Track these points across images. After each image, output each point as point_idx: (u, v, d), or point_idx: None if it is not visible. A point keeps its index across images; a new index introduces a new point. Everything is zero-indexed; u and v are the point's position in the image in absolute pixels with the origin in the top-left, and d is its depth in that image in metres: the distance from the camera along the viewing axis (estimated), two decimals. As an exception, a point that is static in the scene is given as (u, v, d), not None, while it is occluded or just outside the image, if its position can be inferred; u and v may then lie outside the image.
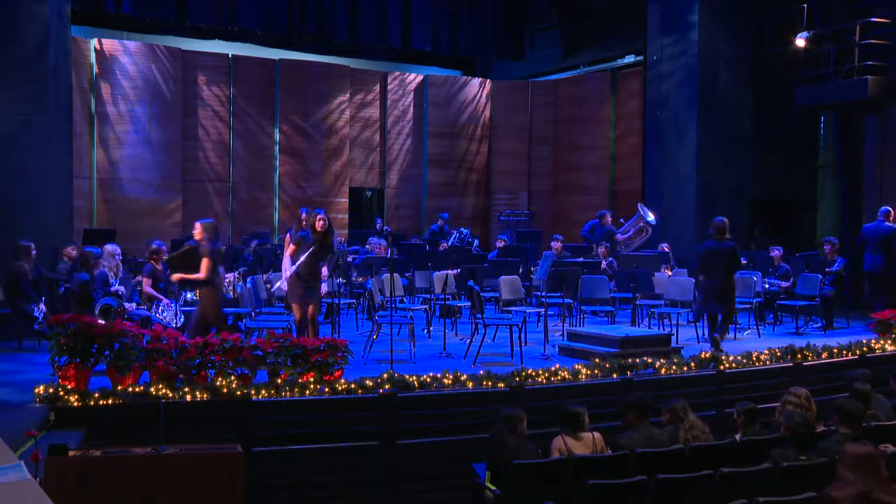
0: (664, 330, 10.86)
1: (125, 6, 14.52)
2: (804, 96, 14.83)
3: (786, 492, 5.10)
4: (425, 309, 11.58)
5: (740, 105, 15.33)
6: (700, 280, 10.25)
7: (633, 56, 17.64)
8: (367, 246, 13.44)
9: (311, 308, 8.90)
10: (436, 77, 18.85)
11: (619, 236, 13.91)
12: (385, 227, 16.14)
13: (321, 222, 8.98)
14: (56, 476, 5.42)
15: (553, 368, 8.31)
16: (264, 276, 11.21)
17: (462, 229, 16.02)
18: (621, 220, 14.46)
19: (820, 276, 11.78)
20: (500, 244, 14.36)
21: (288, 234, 9.65)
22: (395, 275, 10.35)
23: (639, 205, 14.13)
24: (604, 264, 12.81)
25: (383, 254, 12.72)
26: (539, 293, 11.62)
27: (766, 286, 12.20)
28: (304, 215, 11.18)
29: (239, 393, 7.17)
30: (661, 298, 11.60)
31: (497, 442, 6.28)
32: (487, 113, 19.15)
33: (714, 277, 9.78)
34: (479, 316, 9.58)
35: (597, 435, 6.55)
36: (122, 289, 9.89)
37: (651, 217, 13.96)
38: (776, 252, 12.70)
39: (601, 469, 5.71)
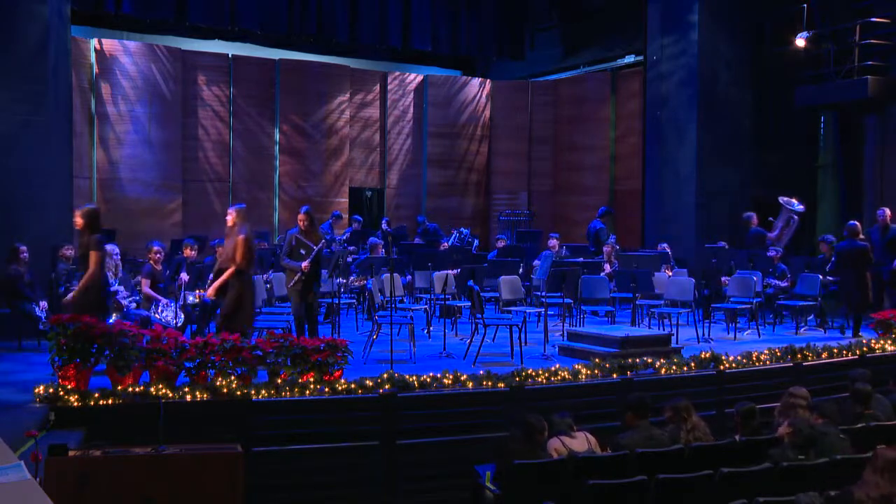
0: (664, 330, 10.85)
1: (125, 6, 14.51)
2: (804, 96, 14.83)
3: (786, 492, 5.10)
4: (425, 309, 11.59)
5: (740, 105, 15.33)
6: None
7: (633, 56, 17.63)
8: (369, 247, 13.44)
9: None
10: (436, 77, 18.85)
11: (770, 235, 13.40)
12: (385, 228, 16.14)
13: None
14: (56, 476, 5.42)
15: (553, 368, 8.31)
16: (264, 276, 11.20)
17: (462, 229, 16.01)
18: (770, 219, 13.99)
19: (819, 276, 11.77)
20: (500, 244, 14.35)
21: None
22: (396, 274, 10.35)
23: (780, 199, 13.55)
24: (608, 269, 12.72)
25: (378, 253, 12.74)
26: (539, 293, 11.62)
27: (764, 286, 12.20)
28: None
29: (239, 393, 7.18)
30: (661, 298, 11.60)
31: (506, 446, 6.25)
32: (487, 113, 19.15)
33: (847, 276, 11.05)
34: (479, 316, 9.58)
35: (588, 434, 6.55)
36: (121, 289, 9.88)
37: (799, 205, 13.49)
38: (773, 252, 12.68)
39: (601, 469, 5.71)
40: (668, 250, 13.49)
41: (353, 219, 15.92)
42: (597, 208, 16.51)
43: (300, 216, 9.49)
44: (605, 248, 13.52)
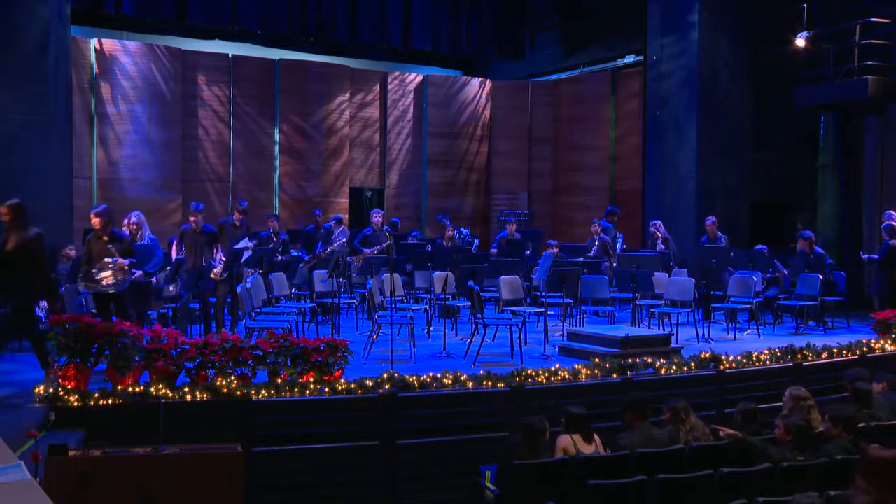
0: (664, 330, 10.85)
1: (125, 6, 14.50)
2: (804, 96, 14.82)
3: (786, 492, 5.10)
4: (425, 309, 11.58)
5: (740, 105, 15.33)
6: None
7: (633, 56, 17.62)
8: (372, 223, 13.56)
9: None
10: (436, 77, 18.85)
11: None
12: (385, 227, 16.11)
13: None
14: (56, 476, 5.43)
15: (553, 368, 8.31)
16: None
17: (462, 229, 16.01)
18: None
19: (819, 276, 11.77)
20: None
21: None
22: (396, 274, 10.35)
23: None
24: (595, 247, 12.84)
25: (379, 221, 13.10)
26: (539, 293, 11.62)
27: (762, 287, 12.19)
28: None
29: (239, 393, 7.18)
30: (661, 298, 11.61)
31: (507, 447, 6.25)
32: (487, 113, 19.14)
33: (888, 275, 11.67)
34: (479, 316, 9.58)
35: (596, 437, 6.55)
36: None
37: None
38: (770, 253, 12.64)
39: (601, 469, 5.71)
40: (661, 229, 13.47)
41: (373, 213, 15.95)
42: (597, 208, 16.53)
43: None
44: (593, 229, 13.58)
